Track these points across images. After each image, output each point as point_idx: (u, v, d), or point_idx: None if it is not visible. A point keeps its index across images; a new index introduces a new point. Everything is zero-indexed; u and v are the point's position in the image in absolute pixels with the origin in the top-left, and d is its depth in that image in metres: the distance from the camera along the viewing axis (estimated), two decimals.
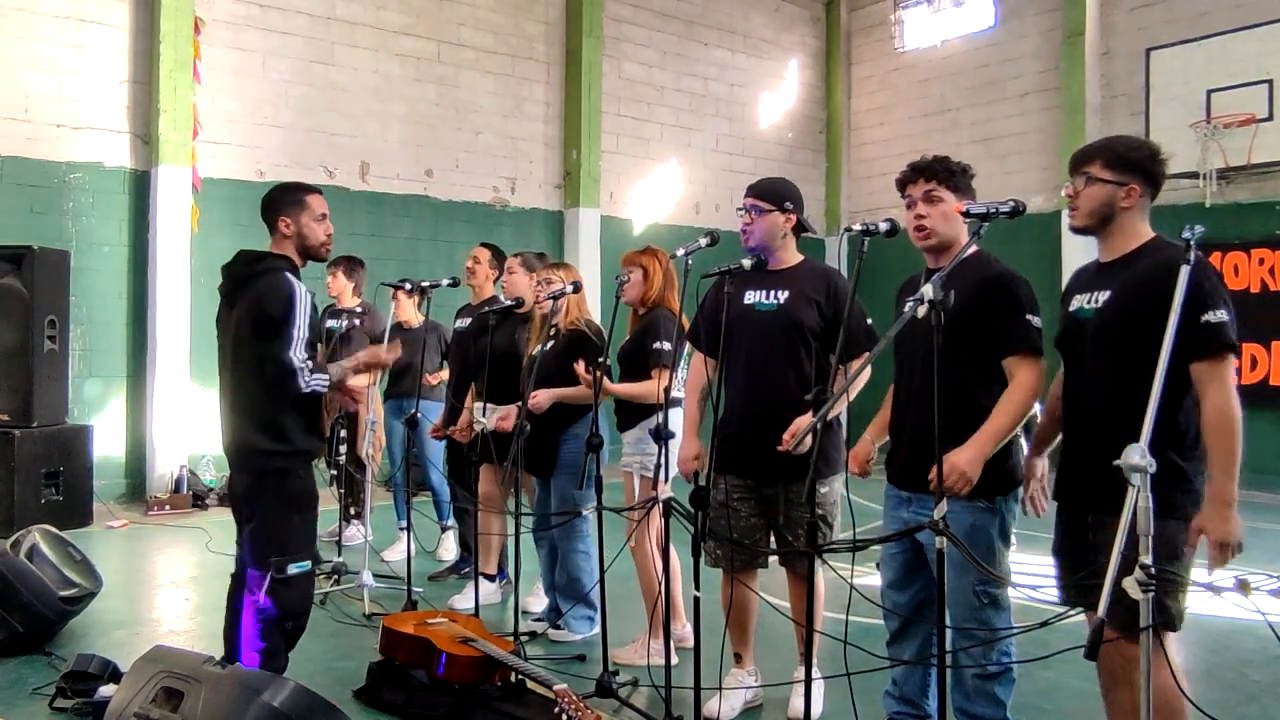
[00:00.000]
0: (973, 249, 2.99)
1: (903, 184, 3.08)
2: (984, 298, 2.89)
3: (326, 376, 3.29)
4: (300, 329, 3.21)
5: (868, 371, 3.36)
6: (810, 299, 3.48)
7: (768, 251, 3.54)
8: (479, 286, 5.51)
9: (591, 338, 4.43)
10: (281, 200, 3.44)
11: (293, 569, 3.26)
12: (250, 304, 3.27)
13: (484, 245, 5.61)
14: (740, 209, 3.60)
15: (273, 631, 3.27)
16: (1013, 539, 3.03)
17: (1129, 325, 2.56)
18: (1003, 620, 2.95)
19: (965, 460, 2.77)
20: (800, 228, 3.59)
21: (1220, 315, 2.44)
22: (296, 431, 3.31)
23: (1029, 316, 2.88)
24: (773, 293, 3.53)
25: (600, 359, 4.08)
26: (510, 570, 4.75)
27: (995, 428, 2.82)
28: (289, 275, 3.30)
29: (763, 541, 3.58)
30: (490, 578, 5.07)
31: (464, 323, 5.52)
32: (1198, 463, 2.56)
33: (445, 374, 5.97)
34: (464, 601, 4.81)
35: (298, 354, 3.20)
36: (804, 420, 3.23)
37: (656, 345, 4.05)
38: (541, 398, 4.31)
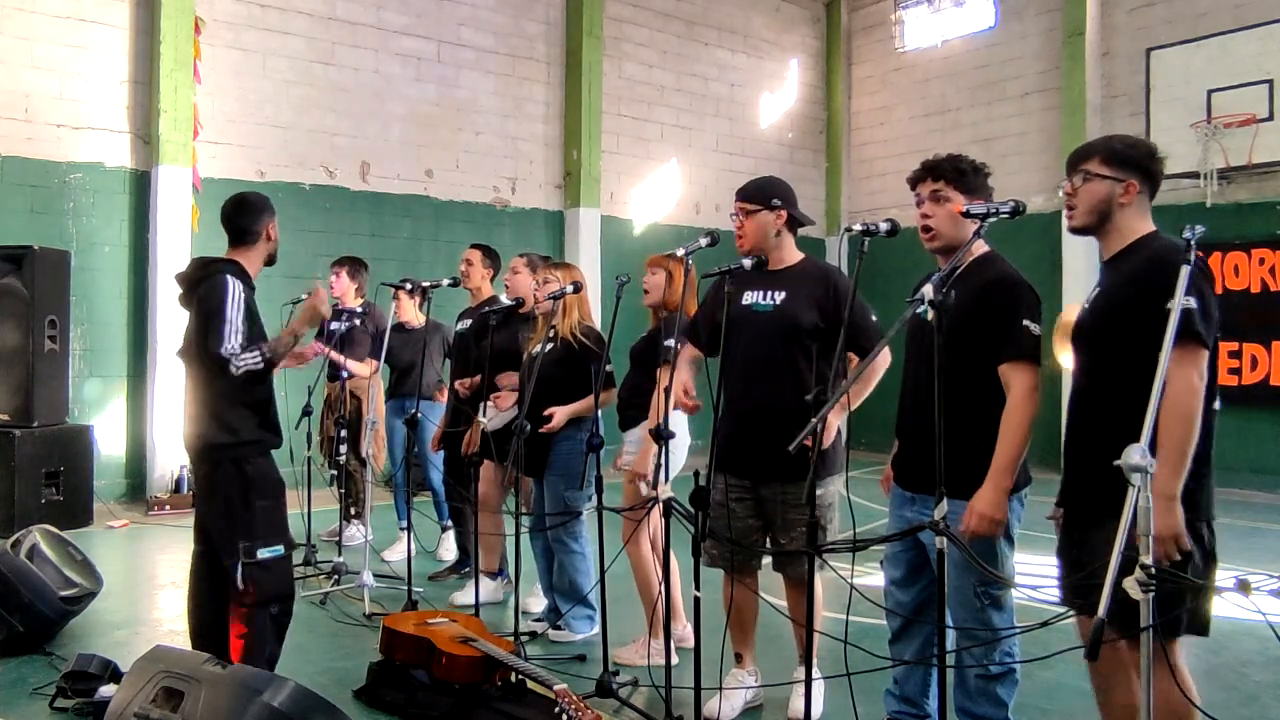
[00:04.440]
0: (983, 250, 2.99)
1: (914, 183, 3.08)
2: (985, 300, 2.88)
3: (257, 354, 3.38)
4: (233, 322, 3.36)
5: (880, 371, 3.34)
6: (809, 299, 3.45)
7: (763, 252, 3.53)
8: (476, 288, 5.51)
9: (591, 346, 4.42)
10: (265, 208, 3.64)
11: (264, 554, 3.36)
12: (195, 307, 3.47)
13: (474, 246, 5.60)
14: (732, 215, 3.61)
15: (256, 616, 3.35)
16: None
17: (1114, 321, 2.55)
18: (1005, 621, 2.94)
19: (985, 504, 2.76)
20: (794, 222, 3.58)
21: (1187, 303, 2.34)
22: (246, 424, 3.45)
23: (1027, 323, 2.85)
24: (770, 293, 3.52)
25: (605, 367, 4.08)
26: (510, 570, 4.75)
27: (1005, 458, 2.80)
28: (227, 276, 3.45)
29: (759, 542, 3.57)
30: (492, 575, 5.07)
31: (465, 325, 5.52)
32: (1198, 464, 2.52)
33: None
34: (465, 598, 4.82)
35: (228, 344, 3.34)
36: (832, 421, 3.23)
37: (667, 343, 4.04)
38: (559, 417, 4.32)
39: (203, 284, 3.46)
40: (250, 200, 3.66)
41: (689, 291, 4.22)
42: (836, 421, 3.20)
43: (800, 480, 3.28)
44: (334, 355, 6.10)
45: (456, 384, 5.35)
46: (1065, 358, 3.99)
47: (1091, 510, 2.55)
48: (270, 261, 3.68)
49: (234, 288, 3.41)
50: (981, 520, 2.76)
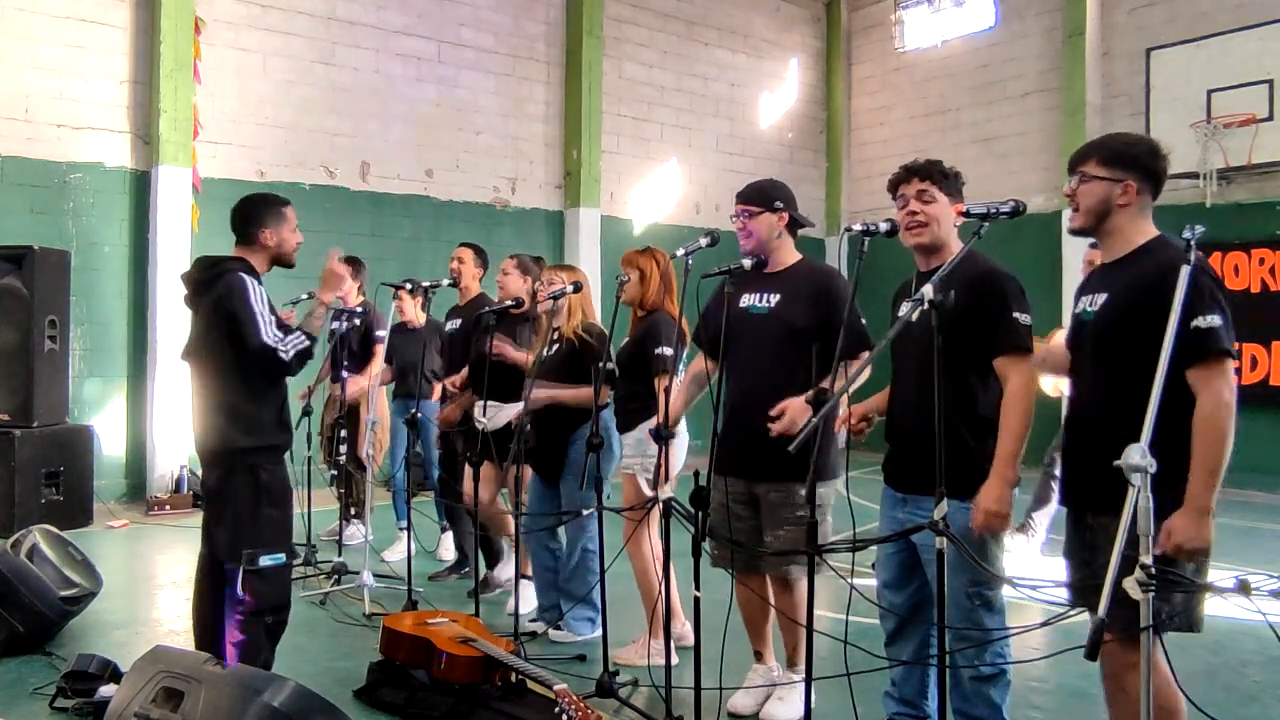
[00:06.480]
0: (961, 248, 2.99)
1: (895, 184, 3.07)
2: (972, 296, 2.87)
3: (299, 335, 3.44)
4: (261, 314, 3.37)
5: (865, 374, 3.34)
6: (802, 301, 3.44)
7: (766, 253, 3.54)
8: (466, 287, 5.51)
9: (593, 343, 4.42)
10: (264, 212, 3.61)
11: (265, 561, 3.34)
12: (212, 308, 3.44)
13: (464, 245, 5.60)
14: (733, 217, 3.61)
15: (251, 624, 3.34)
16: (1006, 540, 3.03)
17: (1124, 328, 2.53)
18: (996, 622, 2.93)
19: (989, 499, 2.73)
20: (795, 223, 3.58)
21: (1212, 320, 2.36)
22: (267, 425, 3.44)
23: (1016, 315, 2.84)
24: (766, 296, 3.51)
25: (603, 363, 4.08)
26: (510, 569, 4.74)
27: (1007, 450, 2.78)
28: (240, 274, 3.44)
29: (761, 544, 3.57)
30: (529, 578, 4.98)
31: (454, 324, 5.51)
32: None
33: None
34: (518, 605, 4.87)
35: (268, 334, 3.35)
36: (794, 402, 3.19)
37: (658, 351, 4.04)
38: (539, 395, 4.31)
39: (215, 285, 3.45)
40: (251, 201, 3.68)
41: (667, 288, 4.24)
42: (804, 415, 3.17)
43: (790, 480, 3.29)
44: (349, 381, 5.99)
45: (446, 382, 5.33)
46: (1045, 382, 3.99)
47: (1106, 510, 2.52)
48: (281, 264, 3.66)
49: (250, 284, 3.42)
50: (988, 517, 2.74)
